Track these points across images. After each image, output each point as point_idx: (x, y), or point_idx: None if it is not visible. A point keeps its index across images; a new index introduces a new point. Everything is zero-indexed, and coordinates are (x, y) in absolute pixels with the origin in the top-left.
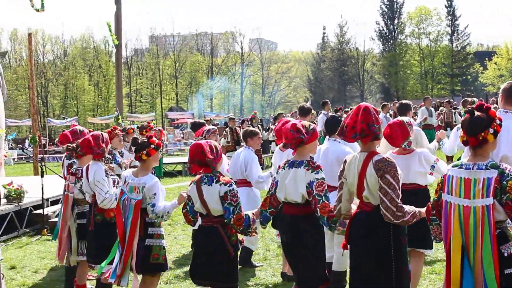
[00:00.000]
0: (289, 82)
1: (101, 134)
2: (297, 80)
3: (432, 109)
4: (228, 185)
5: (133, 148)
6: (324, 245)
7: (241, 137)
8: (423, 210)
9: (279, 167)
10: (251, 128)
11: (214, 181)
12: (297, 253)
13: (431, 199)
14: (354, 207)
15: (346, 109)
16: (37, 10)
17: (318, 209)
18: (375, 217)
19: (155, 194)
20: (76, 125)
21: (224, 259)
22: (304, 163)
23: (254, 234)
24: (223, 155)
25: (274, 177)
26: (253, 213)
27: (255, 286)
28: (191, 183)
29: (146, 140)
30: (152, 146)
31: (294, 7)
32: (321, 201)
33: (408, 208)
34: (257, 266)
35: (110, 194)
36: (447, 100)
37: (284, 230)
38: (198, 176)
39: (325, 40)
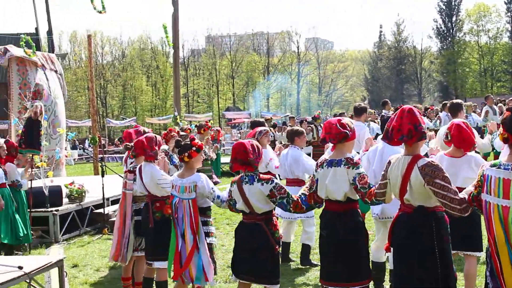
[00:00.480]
0: (346, 81)
1: (155, 136)
2: (354, 79)
3: (496, 107)
4: (269, 182)
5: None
6: (366, 241)
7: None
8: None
9: (317, 165)
10: (296, 127)
11: (255, 180)
12: (338, 248)
13: (471, 193)
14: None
15: None
16: (100, 12)
17: (366, 199)
18: (417, 218)
19: (212, 188)
20: (139, 126)
21: (269, 256)
22: (343, 162)
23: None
24: (273, 153)
25: (314, 175)
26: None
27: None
28: (232, 183)
29: (188, 142)
30: (194, 148)
31: (350, 6)
32: (366, 191)
33: (465, 193)
34: (315, 265)
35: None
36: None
37: (325, 225)
38: (238, 176)
39: (382, 38)
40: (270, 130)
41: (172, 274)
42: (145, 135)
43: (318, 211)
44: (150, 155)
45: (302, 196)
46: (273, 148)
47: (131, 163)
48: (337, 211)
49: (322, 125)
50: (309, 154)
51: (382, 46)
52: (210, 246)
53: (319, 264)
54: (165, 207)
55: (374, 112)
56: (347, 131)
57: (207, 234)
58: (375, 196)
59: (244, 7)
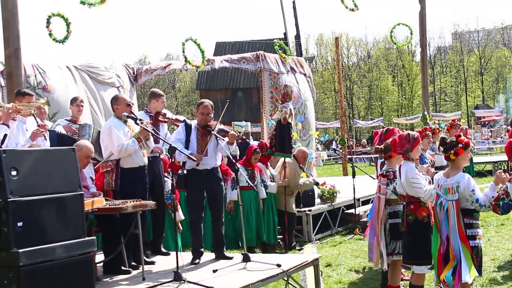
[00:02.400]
0: None
1: (408, 133)
2: None
3: None
4: None
5: (441, 148)
6: None
7: None
8: None
9: None
10: None
11: None
12: None
13: None
14: None
15: None
16: (352, 10)
17: None
18: None
19: (473, 190)
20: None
21: None
22: None
23: None
24: None
25: None
26: None
27: None
28: None
29: (454, 140)
30: (460, 145)
31: None
32: None
33: None
34: None
35: (427, 190)
36: None
37: None
38: None
39: None
40: None
41: (435, 278)
42: (398, 134)
43: None
44: (401, 152)
45: None
46: None
47: (381, 164)
48: None
49: None
50: None
51: None
52: (476, 250)
53: None
54: (419, 209)
55: None
56: None
57: (473, 237)
58: None
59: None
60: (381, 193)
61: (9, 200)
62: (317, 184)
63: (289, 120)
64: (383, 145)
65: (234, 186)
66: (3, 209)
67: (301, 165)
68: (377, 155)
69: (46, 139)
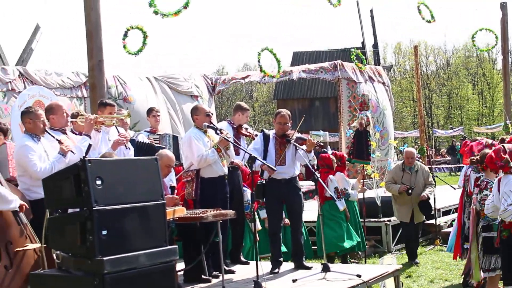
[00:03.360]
0: None
1: (502, 146)
2: None
3: None
4: None
5: None
6: None
7: None
8: None
9: None
10: None
11: None
12: None
13: None
14: None
15: None
16: (429, 21)
17: None
18: None
19: None
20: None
21: None
22: None
23: None
24: None
25: None
26: None
27: None
28: None
29: None
30: None
31: None
32: None
33: None
34: None
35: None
36: None
37: None
38: None
39: None
40: None
41: None
42: (492, 148)
43: None
44: (500, 166)
45: None
46: None
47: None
48: None
49: None
50: None
51: None
52: None
53: None
54: None
55: None
56: None
57: None
58: None
59: None
60: (474, 203)
61: (94, 209)
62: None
63: (368, 128)
64: (478, 155)
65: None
66: (88, 218)
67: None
68: (462, 165)
69: (129, 148)
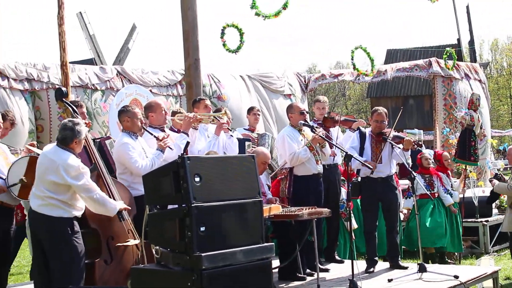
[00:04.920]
0: None
1: None
2: None
3: None
4: None
5: None
6: None
7: None
8: None
9: None
10: None
11: None
12: None
13: None
14: None
15: None
16: None
17: None
18: None
19: None
20: None
21: None
22: None
23: None
24: None
25: None
26: None
27: None
28: None
29: None
30: None
31: None
32: None
33: None
34: None
35: None
36: None
37: None
38: None
39: None
40: None
41: None
42: None
43: None
44: None
45: None
46: None
47: None
48: None
49: None
50: None
51: None
52: None
53: None
54: None
55: None
56: None
57: None
58: None
59: None
60: None
61: (192, 205)
62: None
63: (474, 129)
64: None
65: (409, 194)
66: (187, 214)
67: None
68: None
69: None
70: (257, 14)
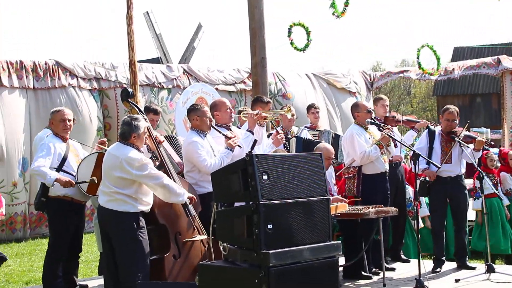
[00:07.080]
0: None
1: None
2: None
3: None
4: None
5: None
6: None
7: None
8: None
9: None
10: None
11: None
12: None
13: None
14: None
15: None
16: None
17: None
18: None
19: None
20: None
21: None
22: None
23: None
24: None
25: None
26: None
27: None
28: None
29: None
30: None
31: None
32: None
33: None
34: None
35: None
36: None
37: None
38: None
39: None
40: None
41: None
42: None
43: None
44: None
45: None
46: None
47: None
48: None
49: None
50: None
51: None
52: None
53: None
54: None
55: None
56: None
57: None
58: None
59: None
60: None
61: (260, 203)
62: None
63: None
64: None
65: (478, 195)
66: (254, 212)
67: None
68: None
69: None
70: (333, 14)
